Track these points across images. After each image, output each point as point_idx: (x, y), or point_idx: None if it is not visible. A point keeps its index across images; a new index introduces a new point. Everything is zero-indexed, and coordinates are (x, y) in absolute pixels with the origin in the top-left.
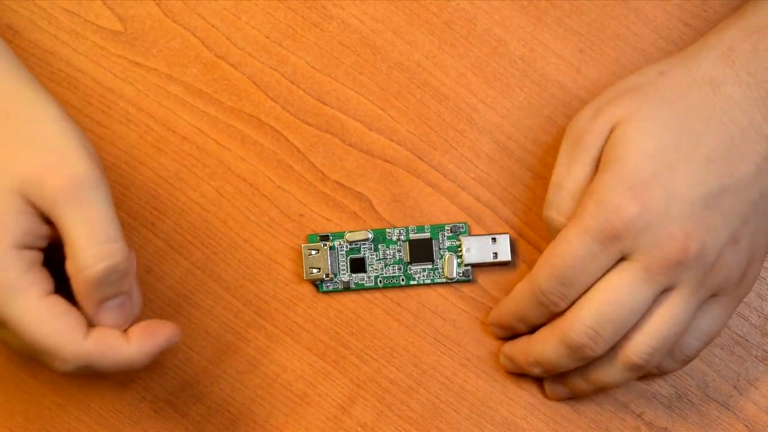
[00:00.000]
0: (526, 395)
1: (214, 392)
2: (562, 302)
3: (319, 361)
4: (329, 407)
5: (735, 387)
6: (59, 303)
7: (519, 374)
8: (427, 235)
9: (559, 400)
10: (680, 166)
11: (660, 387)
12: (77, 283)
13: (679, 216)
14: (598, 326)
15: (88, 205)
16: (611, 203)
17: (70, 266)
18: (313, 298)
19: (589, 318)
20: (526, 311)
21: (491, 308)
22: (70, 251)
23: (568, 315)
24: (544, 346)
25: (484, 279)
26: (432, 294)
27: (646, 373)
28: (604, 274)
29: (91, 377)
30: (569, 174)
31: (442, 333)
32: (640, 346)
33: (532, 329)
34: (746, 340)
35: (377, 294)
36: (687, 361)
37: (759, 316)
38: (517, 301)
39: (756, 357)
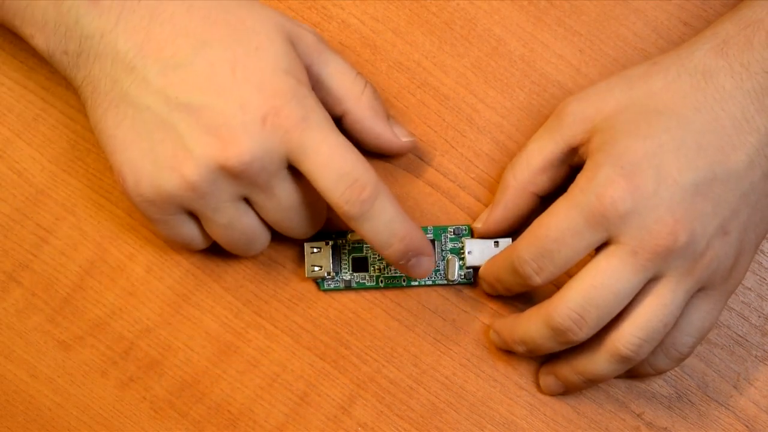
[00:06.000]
0: (526, 395)
1: (214, 392)
2: (536, 276)
3: (319, 361)
4: (329, 407)
5: (735, 387)
6: None
7: (518, 372)
8: (429, 236)
9: (552, 393)
10: (671, 149)
11: (660, 387)
12: (359, 109)
13: (668, 200)
14: (582, 310)
15: (336, 55)
16: (601, 180)
17: (344, 92)
18: (313, 298)
19: (573, 301)
20: (501, 274)
21: (492, 309)
22: (340, 88)
23: (555, 297)
24: (528, 326)
25: None
26: (432, 294)
27: (636, 365)
28: (591, 259)
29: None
30: (539, 148)
31: (442, 333)
32: (628, 336)
33: (512, 297)
34: (746, 340)
35: (377, 294)
36: (681, 358)
37: (759, 316)
38: (497, 261)
39: (756, 357)
